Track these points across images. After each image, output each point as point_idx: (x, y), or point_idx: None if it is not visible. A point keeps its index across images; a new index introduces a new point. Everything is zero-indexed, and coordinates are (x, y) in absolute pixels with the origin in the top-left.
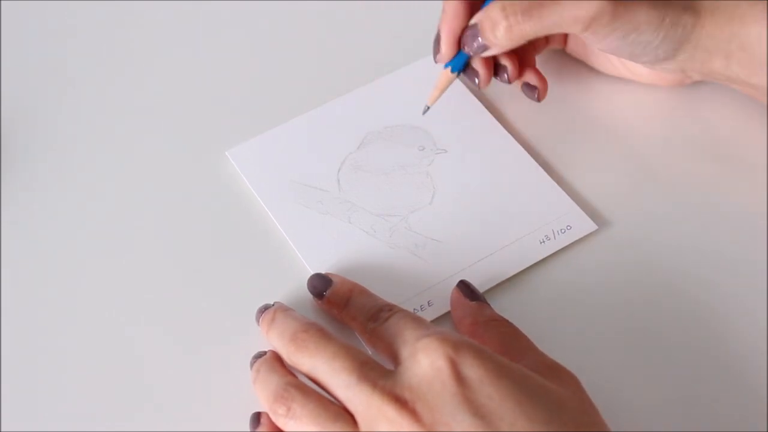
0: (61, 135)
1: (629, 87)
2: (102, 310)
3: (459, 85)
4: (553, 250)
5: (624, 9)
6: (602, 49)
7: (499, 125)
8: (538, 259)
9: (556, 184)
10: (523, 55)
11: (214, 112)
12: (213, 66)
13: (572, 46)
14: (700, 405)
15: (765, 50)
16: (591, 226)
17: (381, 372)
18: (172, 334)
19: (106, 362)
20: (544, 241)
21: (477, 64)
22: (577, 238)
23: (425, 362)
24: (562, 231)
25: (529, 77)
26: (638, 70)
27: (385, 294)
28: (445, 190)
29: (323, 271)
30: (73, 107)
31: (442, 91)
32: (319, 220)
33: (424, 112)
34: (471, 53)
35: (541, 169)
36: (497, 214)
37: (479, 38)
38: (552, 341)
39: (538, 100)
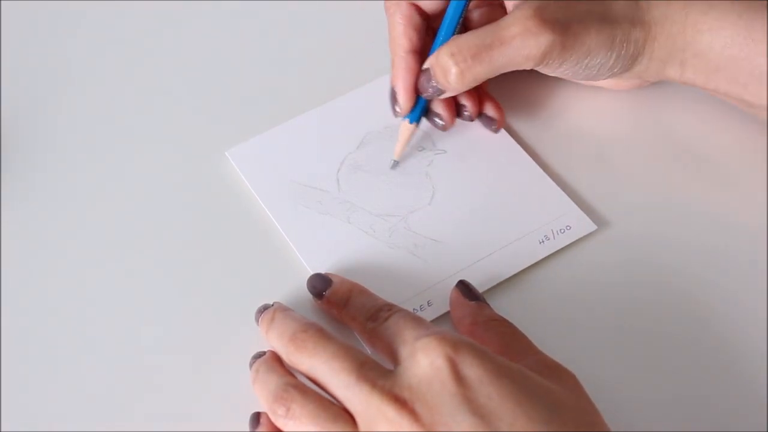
0: (60, 135)
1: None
2: (102, 310)
3: None
4: (553, 250)
5: (573, 39)
6: (557, 76)
7: None
8: (538, 259)
9: (555, 185)
10: (476, 89)
11: (213, 112)
12: (213, 66)
13: None
14: (700, 405)
15: (718, 56)
16: (590, 226)
17: (380, 372)
18: (171, 334)
19: (106, 362)
20: (543, 241)
21: (437, 108)
22: (576, 238)
23: (424, 362)
24: (562, 231)
25: (487, 109)
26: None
27: (385, 294)
28: (444, 191)
29: (323, 271)
30: (73, 107)
31: (406, 143)
32: (319, 220)
33: (393, 167)
34: (428, 98)
35: (540, 170)
36: (496, 214)
37: (433, 82)
38: (551, 341)
39: (496, 130)
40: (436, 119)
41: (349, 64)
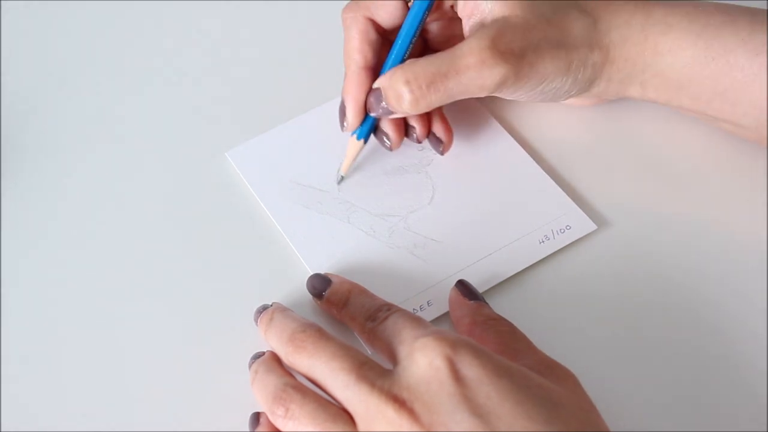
0: (60, 135)
1: None
2: (102, 310)
3: None
4: (553, 250)
5: (528, 68)
6: (514, 99)
7: (498, 125)
8: (538, 259)
9: (555, 184)
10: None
11: (213, 112)
12: (213, 67)
13: None
14: (700, 405)
15: (681, 76)
16: (590, 226)
17: (379, 372)
18: (171, 334)
19: (106, 362)
20: (543, 241)
21: (386, 127)
22: (576, 238)
23: (423, 362)
24: (562, 231)
25: (436, 129)
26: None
27: (385, 294)
28: (444, 190)
29: (322, 271)
30: (73, 108)
31: (354, 159)
32: (319, 220)
33: (339, 182)
34: (377, 117)
35: (540, 169)
36: (496, 214)
37: (383, 103)
38: (551, 341)
39: (442, 153)
40: (384, 138)
41: None
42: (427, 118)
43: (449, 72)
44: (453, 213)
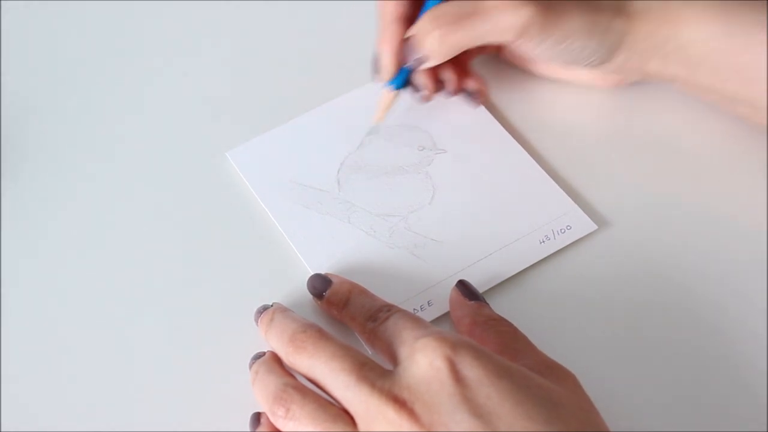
0: (60, 135)
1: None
2: (102, 310)
3: None
4: (553, 250)
5: (555, 16)
6: (536, 57)
7: (498, 125)
8: (538, 259)
9: (555, 184)
10: (458, 65)
11: (214, 112)
12: (213, 67)
13: (507, 53)
14: (700, 405)
15: (701, 50)
16: (591, 226)
17: (380, 372)
18: (171, 334)
19: (106, 362)
20: (544, 241)
21: (420, 79)
22: (577, 238)
23: (423, 362)
24: (562, 231)
25: (468, 84)
26: (576, 73)
27: (385, 294)
28: (444, 190)
29: (323, 272)
30: (73, 108)
31: (387, 109)
32: (319, 220)
33: (372, 132)
34: (411, 67)
35: (540, 169)
36: (497, 214)
37: (416, 49)
38: (551, 341)
39: (478, 104)
40: (418, 90)
41: (349, 64)
42: (458, 72)
43: (475, 11)
44: (453, 213)
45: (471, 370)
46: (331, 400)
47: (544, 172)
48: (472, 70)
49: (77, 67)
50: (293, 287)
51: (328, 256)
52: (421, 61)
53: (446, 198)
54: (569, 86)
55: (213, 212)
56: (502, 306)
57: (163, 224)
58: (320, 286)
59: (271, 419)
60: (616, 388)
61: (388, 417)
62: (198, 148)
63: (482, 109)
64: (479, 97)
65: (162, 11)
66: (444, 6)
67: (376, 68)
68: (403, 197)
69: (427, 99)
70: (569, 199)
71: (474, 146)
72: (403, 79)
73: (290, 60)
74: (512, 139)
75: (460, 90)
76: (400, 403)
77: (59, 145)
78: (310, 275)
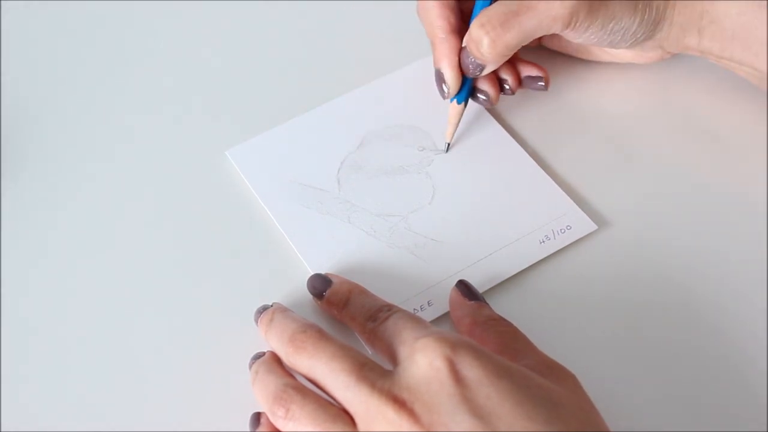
0: (60, 135)
1: (622, 76)
2: (101, 310)
3: None
4: (553, 250)
5: (599, 1)
6: (582, 42)
7: (498, 126)
8: (538, 259)
9: (555, 184)
10: (511, 60)
11: (214, 111)
12: (213, 66)
13: (547, 39)
14: (700, 405)
15: (733, 23)
16: (591, 226)
17: (380, 372)
18: (171, 334)
19: (106, 362)
20: (543, 241)
21: (483, 85)
22: (576, 238)
23: (423, 362)
24: (562, 231)
25: (528, 71)
26: (617, 52)
27: (385, 294)
28: (444, 190)
29: (323, 272)
30: (73, 108)
31: (456, 125)
32: (319, 220)
33: (446, 150)
34: (471, 75)
35: (540, 169)
36: (497, 214)
37: (471, 58)
38: (551, 341)
39: (545, 87)
40: (482, 96)
41: (349, 64)
42: (514, 68)
43: (521, 8)
44: (453, 213)
45: (471, 370)
46: (331, 400)
47: (543, 172)
48: (525, 60)
49: (77, 67)
50: (293, 287)
51: (328, 256)
52: (479, 69)
53: (446, 198)
54: (570, 87)
55: (213, 212)
56: (502, 306)
57: (162, 223)
58: (320, 286)
59: (271, 419)
60: (616, 388)
61: (388, 417)
62: (198, 147)
63: (482, 109)
64: (545, 81)
65: (162, 11)
66: (489, 10)
67: (440, 87)
68: (403, 197)
69: (494, 103)
70: (569, 199)
71: (474, 146)
72: (467, 90)
73: (290, 60)
74: (512, 139)
75: (519, 84)
76: (399, 403)
77: (59, 145)
78: (310, 275)
